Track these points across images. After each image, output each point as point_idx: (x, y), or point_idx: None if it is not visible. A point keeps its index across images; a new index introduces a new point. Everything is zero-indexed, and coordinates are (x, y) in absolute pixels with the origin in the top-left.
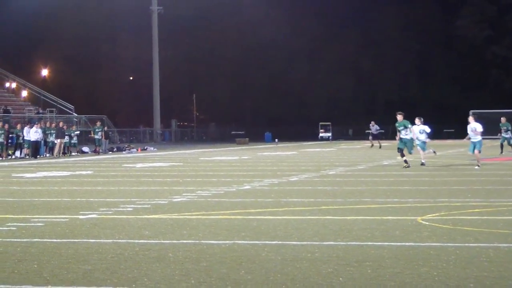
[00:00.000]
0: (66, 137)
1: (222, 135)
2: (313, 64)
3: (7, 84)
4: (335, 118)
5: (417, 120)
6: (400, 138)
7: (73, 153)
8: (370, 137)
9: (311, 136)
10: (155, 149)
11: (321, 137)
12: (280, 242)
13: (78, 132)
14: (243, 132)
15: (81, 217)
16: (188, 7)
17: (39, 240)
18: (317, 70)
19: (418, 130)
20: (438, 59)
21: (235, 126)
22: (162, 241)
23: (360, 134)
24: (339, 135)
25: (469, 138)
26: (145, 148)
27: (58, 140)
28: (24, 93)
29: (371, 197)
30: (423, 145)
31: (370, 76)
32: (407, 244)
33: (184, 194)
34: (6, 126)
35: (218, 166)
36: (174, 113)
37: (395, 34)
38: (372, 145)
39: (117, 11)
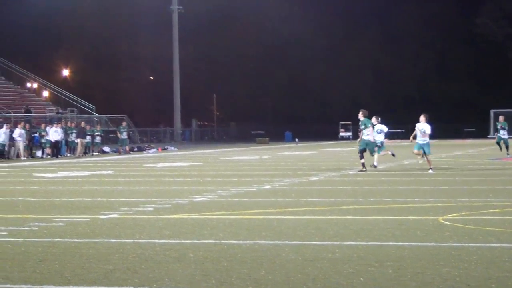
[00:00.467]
0: (88, 137)
1: (242, 134)
2: (333, 62)
3: (29, 84)
4: (356, 117)
5: (373, 119)
6: (362, 139)
7: (94, 153)
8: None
9: (332, 135)
10: (175, 148)
11: (342, 136)
12: (300, 242)
13: (100, 132)
14: (263, 132)
15: (102, 217)
16: (208, 6)
17: (60, 240)
18: (337, 68)
19: (376, 130)
20: (458, 56)
21: (255, 126)
22: (183, 241)
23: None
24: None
25: (415, 138)
26: (166, 147)
27: (79, 140)
28: (45, 93)
29: (391, 196)
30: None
31: (390, 74)
32: (428, 244)
33: (204, 193)
34: (28, 126)
35: (238, 165)
36: (195, 112)
37: (415, 32)
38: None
39: (137, 10)
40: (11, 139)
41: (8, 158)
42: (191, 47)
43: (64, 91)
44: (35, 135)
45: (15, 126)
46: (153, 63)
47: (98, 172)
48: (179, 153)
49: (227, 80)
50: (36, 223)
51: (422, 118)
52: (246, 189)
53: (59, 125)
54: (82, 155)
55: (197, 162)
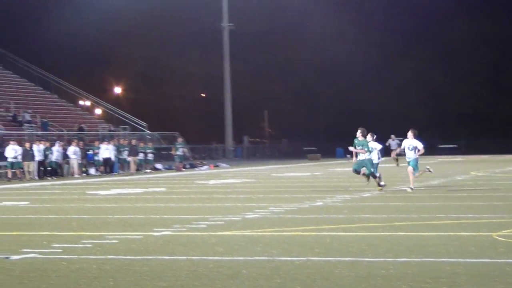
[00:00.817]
0: (141, 154)
1: (294, 151)
2: (384, 79)
3: (81, 102)
4: (407, 132)
5: (368, 137)
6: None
7: (146, 170)
8: (393, 154)
9: (383, 151)
10: (227, 165)
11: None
12: (353, 258)
13: (152, 150)
14: (315, 148)
15: (155, 234)
16: (259, 23)
17: (114, 257)
18: (389, 85)
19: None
20: (510, 71)
21: (307, 142)
22: (236, 258)
23: (432, 149)
24: None
25: (399, 154)
26: (218, 164)
27: (131, 158)
28: (98, 111)
29: (444, 212)
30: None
31: (442, 90)
32: (482, 260)
33: (256, 210)
34: (82, 143)
35: (290, 182)
36: (246, 129)
37: (466, 47)
38: (397, 163)
39: (188, 28)
40: (65, 157)
41: (61, 175)
42: (243, 64)
43: (116, 109)
44: (89, 152)
45: (69, 144)
46: (204, 80)
47: (150, 189)
48: (231, 170)
49: (279, 97)
50: (90, 240)
51: (410, 134)
52: (298, 205)
53: (110, 142)
54: (135, 173)
55: (249, 178)
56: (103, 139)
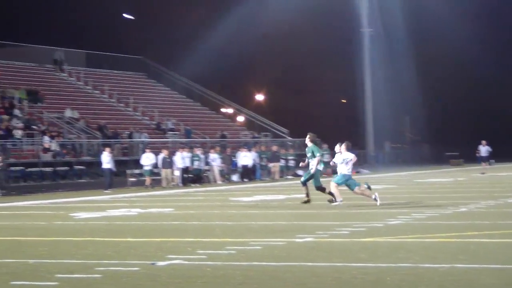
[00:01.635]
0: (282, 161)
1: (436, 156)
2: None
3: (224, 110)
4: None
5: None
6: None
7: (288, 177)
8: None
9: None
10: (368, 171)
11: None
12: (500, 266)
13: (293, 156)
14: (457, 153)
15: (297, 240)
16: (399, 28)
17: (258, 263)
18: None
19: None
20: None
21: (449, 147)
22: (379, 265)
23: None
24: None
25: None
26: (359, 170)
27: (273, 164)
28: (240, 118)
29: None
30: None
31: None
32: None
33: (399, 216)
34: (228, 150)
35: (432, 188)
36: (387, 135)
37: None
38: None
39: (327, 34)
40: (207, 164)
41: (204, 182)
42: (383, 69)
43: (258, 116)
44: (234, 159)
45: (210, 151)
46: (345, 86)
47: (292, 196)
48: (372, 175)
49: (420, 102)
50: (234, 247)
51: (343, 146)
52: (441, 211)
53: (253, 149)
54: (277, 179)
55: (390, 184)
56: (244, 146)
